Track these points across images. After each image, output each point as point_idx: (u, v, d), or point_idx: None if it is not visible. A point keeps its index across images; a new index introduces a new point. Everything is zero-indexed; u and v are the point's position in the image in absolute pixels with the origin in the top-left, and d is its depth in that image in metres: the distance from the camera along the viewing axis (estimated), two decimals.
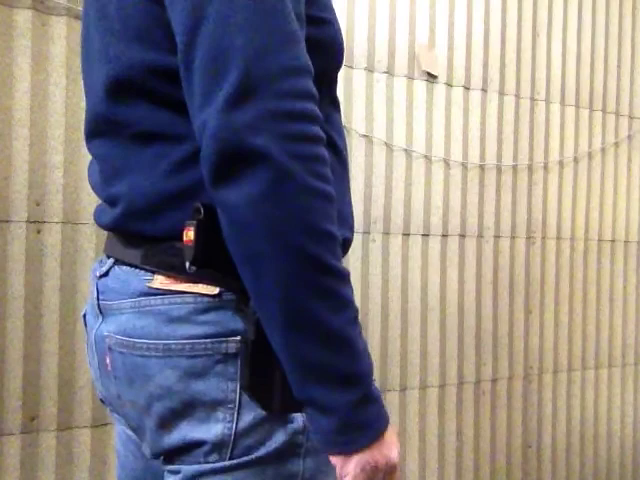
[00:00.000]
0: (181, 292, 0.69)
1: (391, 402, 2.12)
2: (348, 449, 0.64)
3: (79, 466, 1.67)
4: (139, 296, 0.71)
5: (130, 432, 0.82)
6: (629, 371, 2.67)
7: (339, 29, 0.78)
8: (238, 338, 0.67)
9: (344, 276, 0.64)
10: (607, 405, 2.61)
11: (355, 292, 2.14)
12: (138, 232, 0.73)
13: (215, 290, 0.68)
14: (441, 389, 2.22)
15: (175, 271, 0.69)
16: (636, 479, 2.68)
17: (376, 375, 2.09)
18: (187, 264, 0.66)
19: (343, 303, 0.63)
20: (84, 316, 0.85)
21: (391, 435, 0.68)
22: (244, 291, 0.66)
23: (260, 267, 0.61)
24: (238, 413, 0.68)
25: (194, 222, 0.65)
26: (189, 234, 0.65)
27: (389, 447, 0.67)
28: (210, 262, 0.66)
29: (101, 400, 0.85)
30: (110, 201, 0.77)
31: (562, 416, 2.49)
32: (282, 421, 0.69)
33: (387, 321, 2.12)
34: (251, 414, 0.68)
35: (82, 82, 0.84)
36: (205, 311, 0.68)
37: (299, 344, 0.62)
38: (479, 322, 2.30)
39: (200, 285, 0.68)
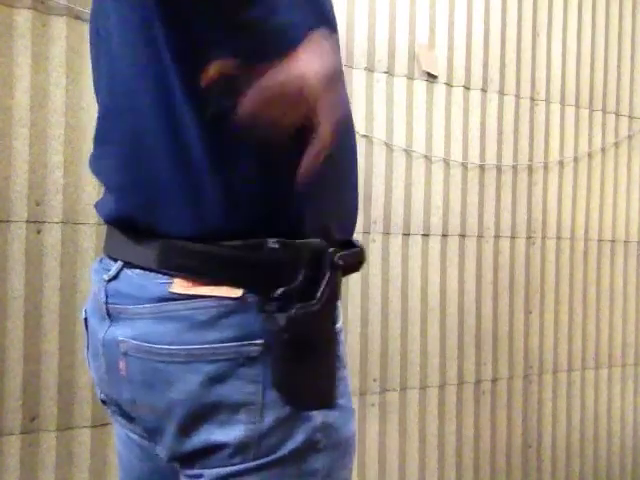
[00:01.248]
0: (203, 296, 0.67)
1: (391, 402, 2.12)
2: None
3: (79, 466, 1.67)
4: (159, 301, 0.69)
5: (135, 436, 0.81)
6: (629, 371, 2.67)
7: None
8: (261, 341, 0.67)
9: None
10: (607, 405, 2.61)
11: (355, 292, 2.13)
12: (150, 227, 0.70)
13: (239, 292, 0.67)
14: (441, 389, 2.22)
15: (195, 274, 0.67)
16: (636, 479, 2.68)
17: (376, 375, 2.09)
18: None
19: None
20: (85, 319, 0.83)
21: None
22: (267, 291, 0.66)
23: None
24: (261, 415, 0.67)
25: None
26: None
27: None
28: None
29: (102, 401, 0.84)
30: (121, 188, 0.74)
31: (562, 416, 2.49)
32: (302, 420, 0.69)
33: (387, 321, 2.12)
34: (273, 415, 0.68)
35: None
36: (229, 314, 0.67)
37: None
38: (479, 322, 2.30)
39: (223, 288, 0.67)
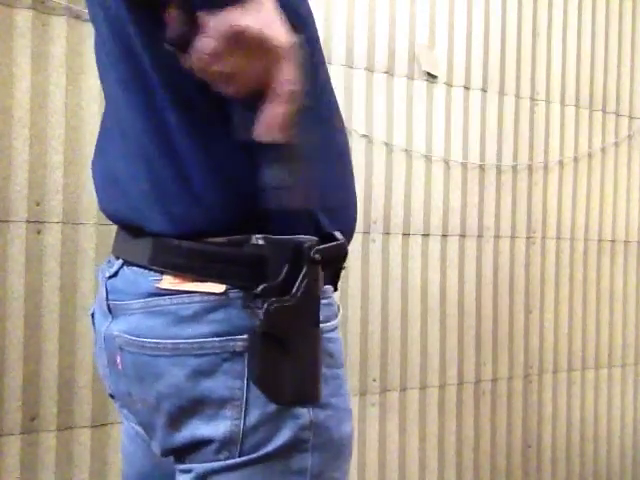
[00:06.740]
0: (188, 292, 0.69)
1: (391, 402, 2.12)
2: None
3: (79, 466, 1.67)
4: (148, 297, 0.71)
5: (139, 429, 0.83)
6: (629, 371, 2.67)
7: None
8: (245, 336, 0.68)
9: None
10: (607, 405, 2.61)
11: (355, 292, 2.13)
12: (141, 227, 0.73)
13: (222, 288, 0.68)
14: (441, 389, 2.22)
15: (182, 270, 0.69)
16: (636, 479, 2.69)
17: (376, 375, 2.09)
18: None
19: None
20: (92, 315, 0.86)
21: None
22: (252, 287, 0.66)
23: None
24: (245, 410, 0.68)
25: None
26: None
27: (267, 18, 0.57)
28: None
29: (110, 395, 0.86)
30: (108, 193, 0.78)
31: (562, 416, 2.49)
32: (289, 417, 0.69)
33: (387, 321, 2.12)
34: (258, 411, 0.68)
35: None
36: (212, 310, 0.68)
37: None
38: (479, 322, 2.30)
39: (207, 284, 0.68)
